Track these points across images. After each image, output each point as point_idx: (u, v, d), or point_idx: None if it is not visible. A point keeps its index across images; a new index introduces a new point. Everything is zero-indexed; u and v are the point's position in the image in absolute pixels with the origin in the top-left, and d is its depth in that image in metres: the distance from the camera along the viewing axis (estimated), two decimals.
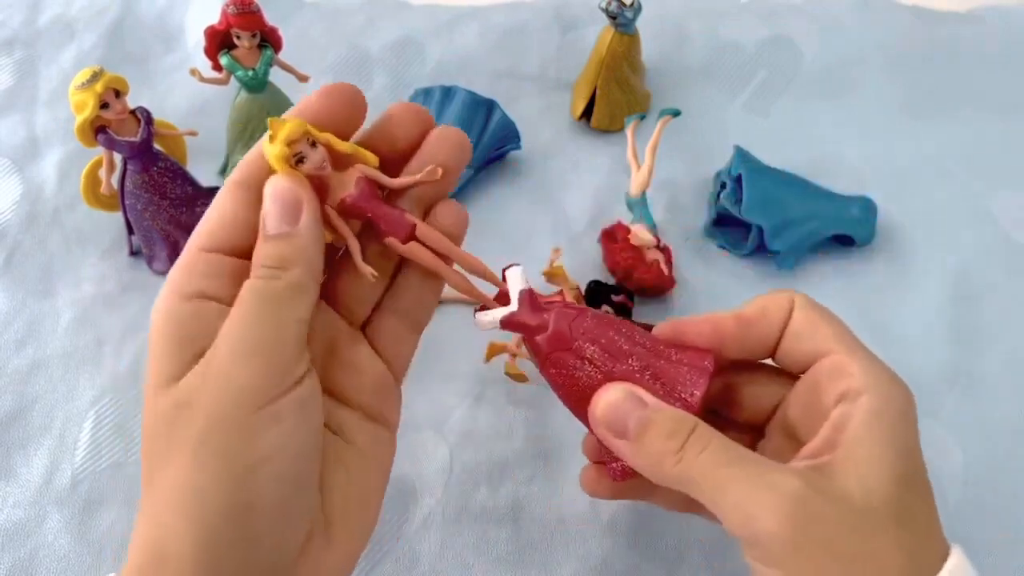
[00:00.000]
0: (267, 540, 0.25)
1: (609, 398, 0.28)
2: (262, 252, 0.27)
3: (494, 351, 0.44)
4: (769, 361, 0.31)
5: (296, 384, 0.26)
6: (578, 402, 0.30)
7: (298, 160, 0.27)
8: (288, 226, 0.26)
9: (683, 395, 0.29)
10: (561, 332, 0.29)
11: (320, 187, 0.28)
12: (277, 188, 0.27)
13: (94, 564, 0.39)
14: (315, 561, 0.27)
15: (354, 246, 0.29)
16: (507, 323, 0.30)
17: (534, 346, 0.30)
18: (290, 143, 0.26)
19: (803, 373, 0.30)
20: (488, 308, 0.30)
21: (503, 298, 0.30)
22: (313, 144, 0.27)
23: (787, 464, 0.26)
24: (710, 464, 0.26)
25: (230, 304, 0.26)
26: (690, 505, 0.31)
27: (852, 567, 0.24)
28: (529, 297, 0.30)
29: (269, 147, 0.27)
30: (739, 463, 0.26)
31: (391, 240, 0.29)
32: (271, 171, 0.27)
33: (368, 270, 0.28)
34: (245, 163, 0.28)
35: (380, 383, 0.30)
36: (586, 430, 0.31)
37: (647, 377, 0.29)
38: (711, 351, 0.30)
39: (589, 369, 0.29)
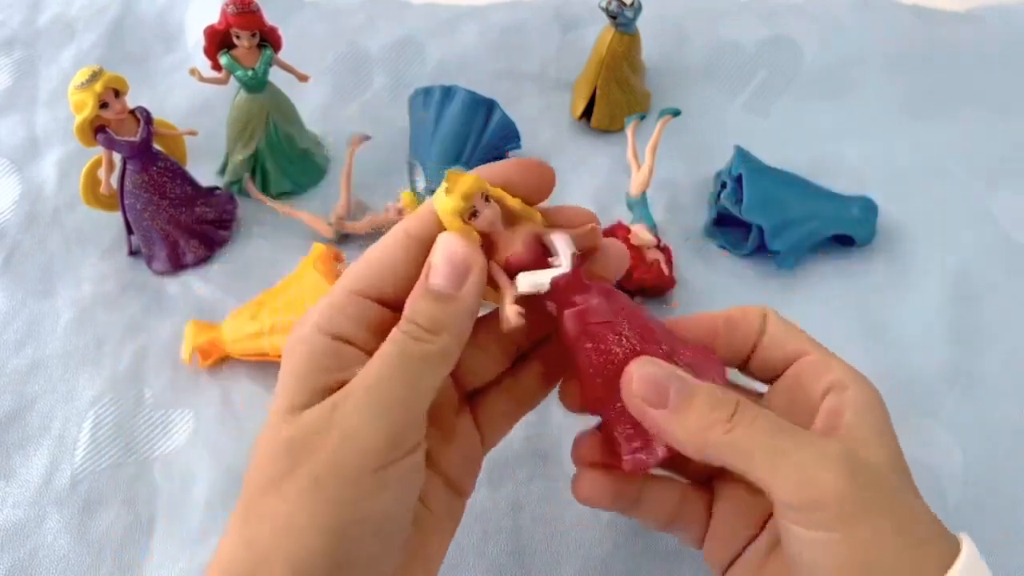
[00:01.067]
0: None
1: (646, 368, 0.27)
2: (418, 308, 0.26)
3: None
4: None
5: (413, 450, 0.26)
6: (607, 379, 0.28)
7: (471, 215, 0.26)
8: (453, 289, 0.26)
9: (711, 379, 0.29)
10: (604, 304, 0.28)
11: (488, 244, 0.28)
12: (450, 247, 0.26)
13: (93, 564, 0.39)
14: None
15: (510, 296, 0.28)
16: (559, 285, 0.27)
17: (570, 316, 0.28)
18: (467, 198, 0.26)
19: (773, 380, 0.31)
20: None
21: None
22: (487, 200, 0.27)
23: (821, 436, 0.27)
24: (763, 432, 0.26)
25: (367, 351, 0.26)
26: (670, 524, 0.32)
27: (901, 524, 0.25)
28: (579, 262, 0.28)
29: (443, 200, 0.26)
30: (791, 431, 0.26)
31: (552, 305, 0.28)
32: (441, 226, 0.27)
33: (515, 312, 0.27)
34: (419, 216, 0.28)
35: (469, 453, 0.30)
36: (584, 428, 0.31)
37: (672, 364, 0.28)
38: (712, 348, 0.30)
39: (625, 345, 0.28)
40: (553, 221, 0.29)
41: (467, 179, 0.26)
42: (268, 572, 0.24)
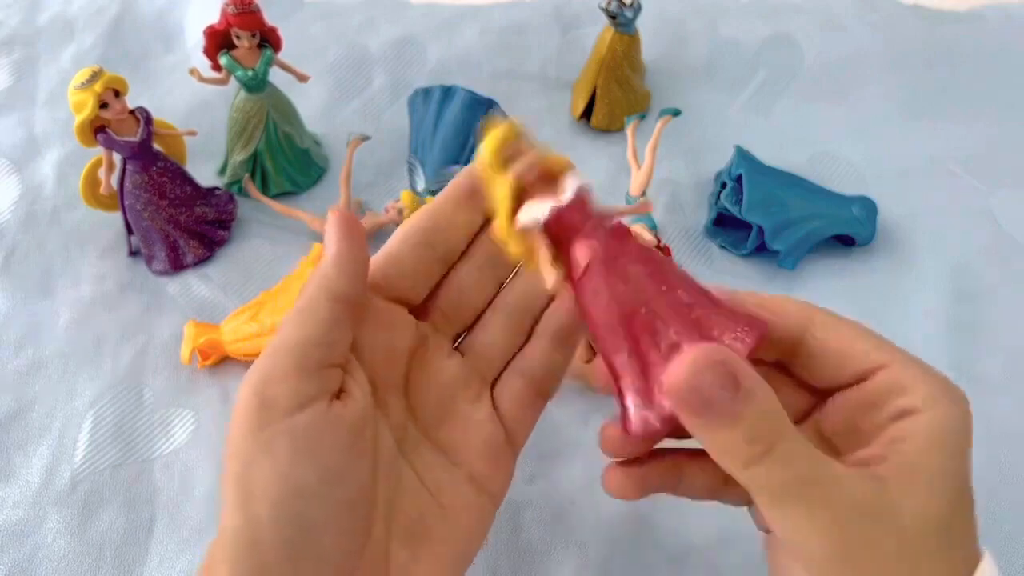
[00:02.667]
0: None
1: (697, 365, 0.23)
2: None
3: None
4: None
5: (297, 410, 0.25)
6: (611, 327, 0.25)
7: (507, 162, 0.25)
8: (326, 251, 0.27)
9: (729, 341, 0.24)
10: (614, 240, 0.25)
11: (522, 197, 0.26)
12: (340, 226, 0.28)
13: (93, 564, 0.39)
14: None
15: (544, 255, 0.25)
16: (553, 218, 0.25)
17: (573, 254, 0.26)
18: (505, 140, 0.25)
19: (834, 388, 0.28)
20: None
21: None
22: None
23: (854, 473, 0.25)
24: (778, 480, 0.24)
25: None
26: (716, 494, 0.30)
27: None
28: (585, 194, 0.25)
29: (482, 148, 0.26)
30: (806, 483, 0.24)
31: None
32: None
33: (552, 276, 0.25)
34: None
35: (492, 445, 0.29)
36: (606, 390, 0.28)
37: (693, 314, 0.25)
38: (766, 320, 0.26)
39: (636, 289, 0.25)
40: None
41: (503, 125, 0.25)
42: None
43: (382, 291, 0.28)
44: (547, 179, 0.25)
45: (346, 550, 0.25)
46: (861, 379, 0.27)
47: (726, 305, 0.26)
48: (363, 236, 0.28)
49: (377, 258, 0.29)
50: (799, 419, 0.29)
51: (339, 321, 0.26)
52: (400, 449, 0.28)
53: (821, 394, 0.29)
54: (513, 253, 0.26)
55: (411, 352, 0.29)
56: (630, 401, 0.26)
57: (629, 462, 0.30)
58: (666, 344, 0.25)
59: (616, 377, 0.26)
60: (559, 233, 0.25)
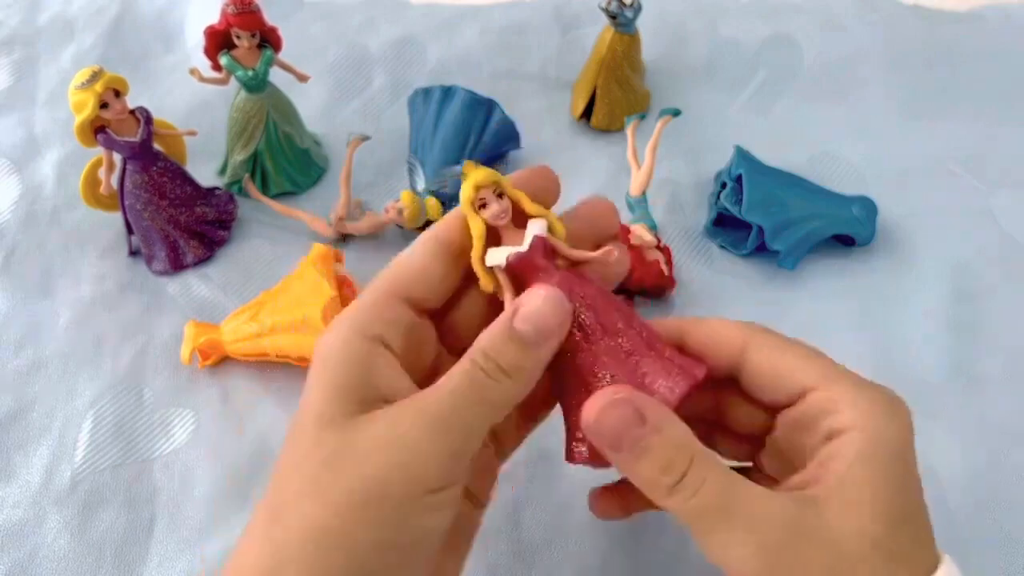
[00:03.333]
0: None
1: (607, 406, 0.25)
2: (500, 348, 0.26)
3: None
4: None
5: (460, 480, 0.26)
6: (559, 369, 0.28)
7: (481, 206, 0.28)
8: (542, 341, 0.26)
9: (661, 389, 0.27)
10: (563, 287, 0.28)
11: (494, 238, 0.29)
12: (554, 300, 0.26)
13: (93, 564, 0.39)
14: None
15: (508, 295, 0.28)
16: (514, 262, 0.28)
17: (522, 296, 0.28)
18: (476, 188, 0.28)
19: (778, 407, 0.29)
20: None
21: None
22: (500, 196, 0.28)
23: (777, 495, 0.25)
24: (697, 508, 0.25)
25: (400, 356, 0.27)
26: None
27: None
28: (543, 244, 0.28)
29: (462, 187, 0.28)
30: (725, 510, 0.25)
31: None
32: (468, 233, 0.28)
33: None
34: (445, 221, 0.29)
35: (482, 460, 0.30)
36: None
37: (631, 361, 0.27)
38: (706, 364, 0.28)
39: (577, 336, 0.28)
40: (572, 224, 0.29)
41: (481, 172, 0.28)
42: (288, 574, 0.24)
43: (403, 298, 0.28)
44: (520, 221, 0.28)
45: None
46: (798, 399, 0.27)
47: (665, 351, 0.28)
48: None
49: (400, 267, 0.29)
50: (763, 435, 0.30)
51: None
52: None
53: (772, 412, 0.29)
54: (484, 286, 0.29)
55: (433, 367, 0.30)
56: (570, 435, 0.29)
57: (613, 486, 0.31)
58: (601, 387, 0.27)
59: (564, 412, 0.30)
60: (521, 273, 0.28)
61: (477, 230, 0.28)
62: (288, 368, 0.44)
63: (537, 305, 0.26)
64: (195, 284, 0.49)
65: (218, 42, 0.49)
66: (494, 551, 0.39)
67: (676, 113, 0.49)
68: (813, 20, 0.64)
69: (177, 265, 0.50)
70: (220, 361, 0.45)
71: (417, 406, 0.25)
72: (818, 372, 0.27)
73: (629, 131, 0.49)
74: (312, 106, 0.58)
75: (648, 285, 0.47)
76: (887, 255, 0.51)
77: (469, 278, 0.29)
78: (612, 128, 0.57)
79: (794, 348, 0.28)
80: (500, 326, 0.26)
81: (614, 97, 0.56)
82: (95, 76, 0.44)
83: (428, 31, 0.63)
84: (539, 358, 0.26)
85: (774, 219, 0.48)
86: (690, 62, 0.62)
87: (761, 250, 0.50)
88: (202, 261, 0.50)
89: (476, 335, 0.27)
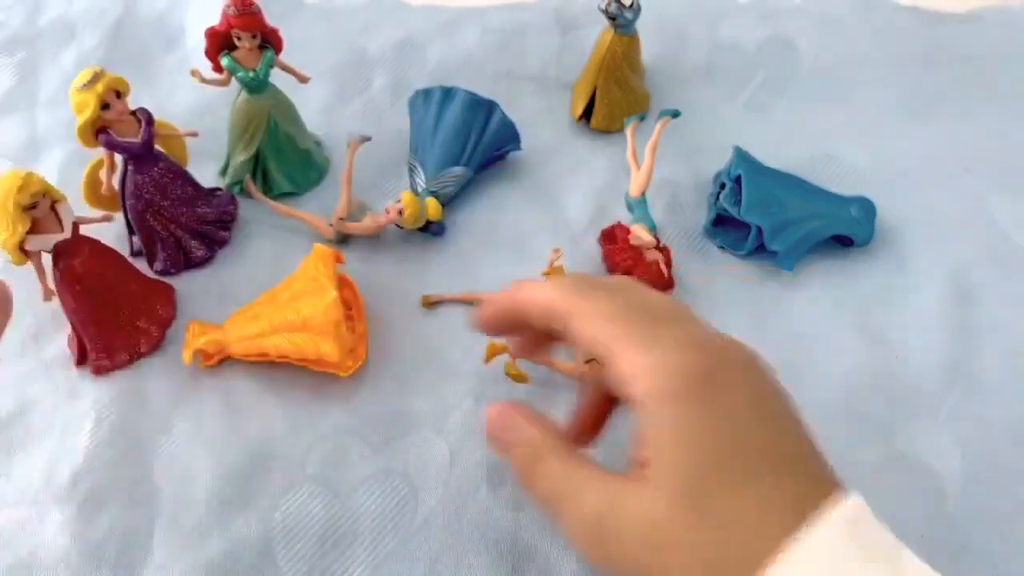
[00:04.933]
0: None
1: (490, 418, 0.30)
2: None
3: (494, 351, 0.44)
4: None
5: None
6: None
7: None
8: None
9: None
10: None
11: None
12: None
13: (93, 564, 0.39)
14: None
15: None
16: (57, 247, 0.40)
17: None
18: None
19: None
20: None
21: None
22: None
23: (602, 479, 0.26)
24: (541, 498, 0.28)
25: None
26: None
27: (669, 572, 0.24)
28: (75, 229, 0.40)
29: None
30: (556, 498, 0.27)
31: None
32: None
33: None
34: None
35: None
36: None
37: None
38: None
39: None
40: None
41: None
42: None
43: None
44: None
45: None
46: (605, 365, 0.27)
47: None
48: None
49: None
50: None
51: None
52: None
53: None
54: None
55: None
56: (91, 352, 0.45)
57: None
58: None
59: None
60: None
61: None
62: (288, 368, 0.45)
63: None
64: (196, 285, 0.49)
65: (219, 43, 0.49)
66: (495, 551, 0.39)
67: (676, 114, 0.49)
68: (813, 21, 0.64)
69: (178, 265, 0.50)
70: (221, 361, 0.45)
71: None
72: (611, 338, 0.26)
73: (629, 132, 0.49)
74: (313, 107, 0.58)
75: (648, 285, 0.47)
76: (886, 256, 0.51)
77: None
78: (612, 129, 0.57)
79: (606, 316, 0.27)
80: None
81: (614, 98, 0.56)
82: (96, 77, 0.44)
83: (428, 32, 0.63)
84: None
85: (773, 219, 0.49)
86: (690, 63, 0.62)
87: (760, 250, 0.50)
88: (203, 262, 0.50)
89: None
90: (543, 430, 0.29)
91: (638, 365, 0.25)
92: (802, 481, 0.24)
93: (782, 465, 0.24)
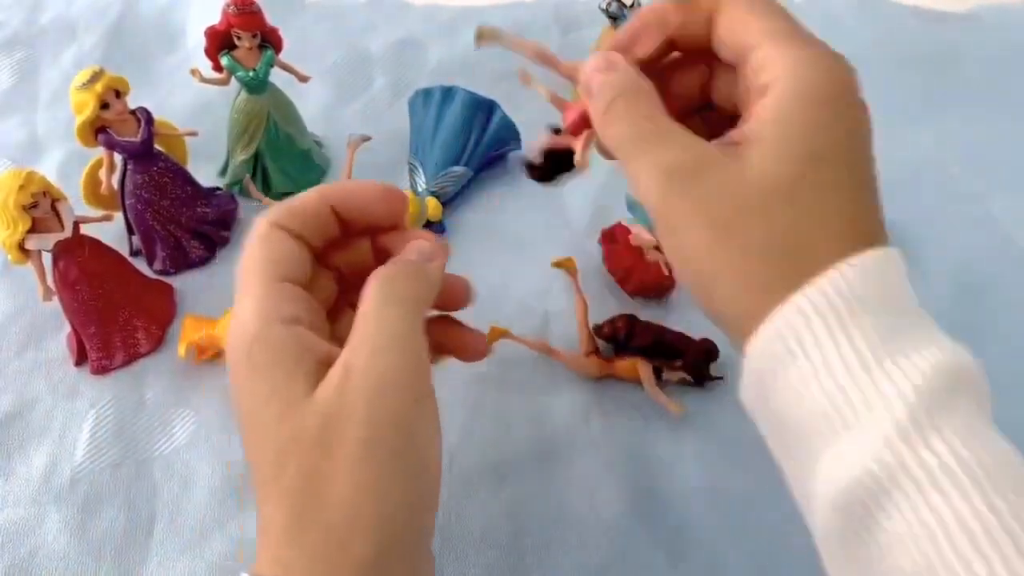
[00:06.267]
0: (431, 528, 0.26)
1: (591, 63, 0.29)
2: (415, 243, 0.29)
3: (495, 336, 0.44)
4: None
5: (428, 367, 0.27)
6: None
7: None
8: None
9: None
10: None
11: None
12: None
13: (93, 564, 0.39)
14: None
15: None
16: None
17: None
18: None
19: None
20: None
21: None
22: None
23: (697, 138, 0.26)
24: (617, 139, 0.27)
25: (314, 328, 0.28)
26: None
27: (717, 239, 0.24)
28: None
29: None
30: (636, 140, 0.27)
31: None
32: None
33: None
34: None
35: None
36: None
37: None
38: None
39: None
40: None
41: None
42: (360, 547, 0.24)
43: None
44: None
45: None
46: (742, 59, 0.27)
47: None
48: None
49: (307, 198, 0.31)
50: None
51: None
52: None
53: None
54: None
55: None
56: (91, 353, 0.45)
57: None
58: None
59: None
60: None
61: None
62: None
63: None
64: (196, 284, 0.49)
65: (219, 42, 0.49)
66: (495, 551, 0.39)
67: None
68: (813, 20, 0.63)
69: (178, 265, 0.50)
70: (217, 355, 0.45)
71: (354, 341, 0.27)
72: (760, 30, 0.27)
73: None
74: (313, 107, 0.58)
75: (648, 285, 0.47)
76: None
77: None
78: None
79: (753, 7, 0.28)
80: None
81: None
82: (96, 76, 0.44)
83: (429, 32, 0.63)
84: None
85: None
86: None
87: None
88: (203, 262, 0.50)
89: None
90: (641, 76, 0.28)
91: (782, 52, 0.26)
92: (834, 214, 0.25)
93: (862, 186, 0.26)
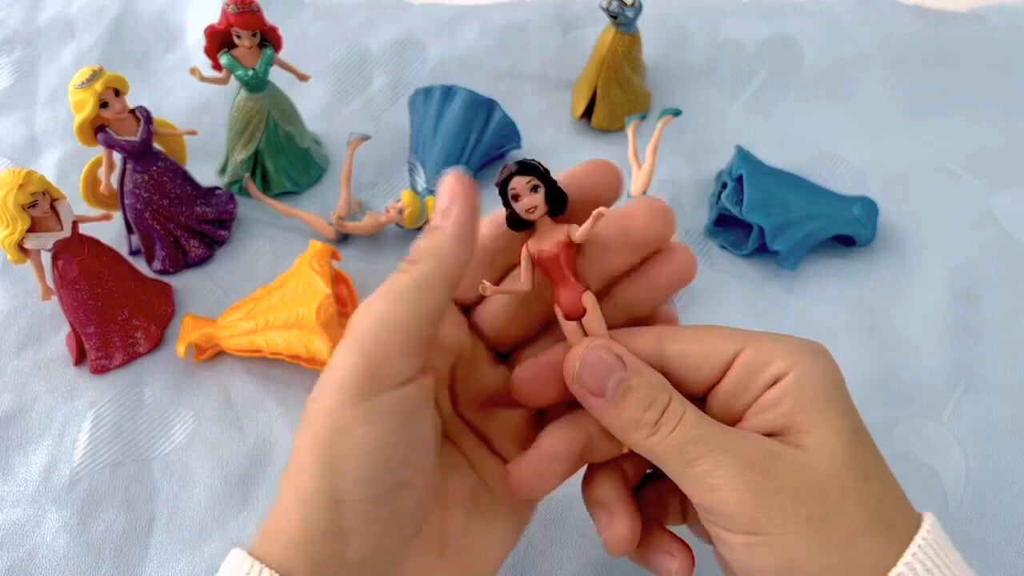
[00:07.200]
0: (355, 538, 0.25)
1: (590, 356, 0.27)
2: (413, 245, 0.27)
3: None
4: None
5: (401, 384, 0.25)
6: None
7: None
8: (442, 221, 0.26)
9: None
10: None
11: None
12: (457, 187, 0.26)
13: (93, 564, 0.39)
14: (424, 571, 0.27)
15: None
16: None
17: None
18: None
19: (707, 389, 0.29)
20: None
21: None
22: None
23: (742, 430, 0.26)
24: (679, 440, 0.26)
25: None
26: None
27: (817, 529, 0.24)
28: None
29: None
30: (705, 439, 0.26)
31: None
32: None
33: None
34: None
35: (521, 429, 0.31)
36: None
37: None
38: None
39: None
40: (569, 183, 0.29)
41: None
42: (285, 524, 0.25)
43: None
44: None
45: (419, 511, 0.27)
46: (729, 367, 0.27)
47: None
48: (478, 211, 0.26)
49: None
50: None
51: (447, 303, 0.26)
52: (447, 431, 0.30)
53: (702, 398, 0.29)
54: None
55: (459, 349, 0.29)
56: (90, 352, 0.44)
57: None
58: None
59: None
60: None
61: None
62: (287, 368, 0.44)
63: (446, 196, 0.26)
64: (195, 283, 0.49)
65: (218, 41, 0.49)
66: None
67: (677, 113, 0.49)
68: (813, 20, 0.64)
69: (177, 264, 0.50)
70: (216, 355, 0.45)
71: None
72: (739, 337, 0.27)
73: (630, 131, 0.49)
74: (313, 106, 0.58)
75: None
76: (887, 256, 0.51)
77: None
78: (613, 128, 0.57)
79: (710, 327, 0.28)
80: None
81: (614, 97, 0.56)
82: (95, 75, 0.44)
83: (429, 31, 0.63)
84: (441, 236, 0.26)
85: (775, 219, 0.48)
86: (690, 62, 0.62)
87: (762, 250, 0.50)
88: (202, 260, 0.50)
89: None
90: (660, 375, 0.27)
91: (775, 346, 0.27)
92: (891, 485, 0.26)
93: (883, 465, 0.27)
